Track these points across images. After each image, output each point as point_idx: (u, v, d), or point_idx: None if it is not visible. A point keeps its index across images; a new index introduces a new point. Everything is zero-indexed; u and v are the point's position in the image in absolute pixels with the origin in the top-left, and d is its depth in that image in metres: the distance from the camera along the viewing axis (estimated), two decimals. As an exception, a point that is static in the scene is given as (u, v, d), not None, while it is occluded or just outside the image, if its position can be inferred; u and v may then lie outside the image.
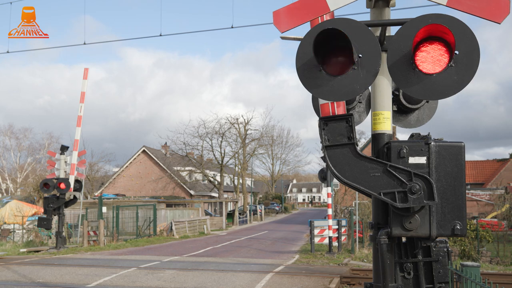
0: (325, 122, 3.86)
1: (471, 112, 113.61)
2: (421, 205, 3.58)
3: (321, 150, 3.92)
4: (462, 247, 16.32)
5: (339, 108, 4.25)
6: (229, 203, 47.10)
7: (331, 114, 4.15)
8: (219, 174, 47.06)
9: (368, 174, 3.71)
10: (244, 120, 45.99)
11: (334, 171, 3.81)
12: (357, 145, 3.82)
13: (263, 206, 53.69)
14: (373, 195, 3.75)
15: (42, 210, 19.47)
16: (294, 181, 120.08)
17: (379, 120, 4.07)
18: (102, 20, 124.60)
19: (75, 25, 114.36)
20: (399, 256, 3.97)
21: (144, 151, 49.58)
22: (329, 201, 18.11)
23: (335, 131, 3.84)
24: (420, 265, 3.96)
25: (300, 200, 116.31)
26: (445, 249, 4.03)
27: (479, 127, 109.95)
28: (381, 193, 3.66)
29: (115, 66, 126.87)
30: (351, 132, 3.81)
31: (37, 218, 21.11)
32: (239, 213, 43.15)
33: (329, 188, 17.58)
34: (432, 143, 3.68)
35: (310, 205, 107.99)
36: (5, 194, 50.32)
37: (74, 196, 19.87)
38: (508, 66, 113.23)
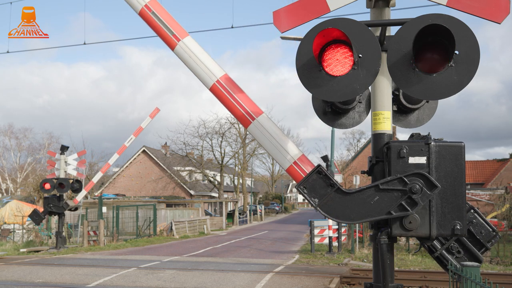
0: (303, 186, 3.90)
1: (472, 112, 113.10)
2: (429, 198, 3.61)
3: (316, 211, 3.94)
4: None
5: (304, 163, 4.27)
6: (229, 203, 47.09)
7: (301, 175, 4.18)
8: (219, 174, 47.05)
9: (369, 203, 3.71)
10: (244, 120, 45.93)
11: (339, 220, 3.82)
12: (342, 186, 3.84)
13: (263, 206, 53.64)
14: (386, 218, 3.75)
15: (42, 210, 19.49)
16: (294, 181, 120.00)
17: (379, 120, 4.07)
18: (100, 17, 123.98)
19: (73, 23, 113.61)
20: (440, 244, 3.97)
21: (144, 151, 49.56)
22: (329, 201, 18.07)
23: (316, 188, 3.86)
24: (462, 238, 3.94)
25: (300, 200, 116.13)
26: (472, 210, 4.02)
27: (480, 127, 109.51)
28: (391, 212, 3.67)
29: (115, 65, 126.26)
30: (329, 179, 3.83)
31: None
32: (239, 213, 43.13)
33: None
34: (432, 143, 3.68)
35: (310, 205, 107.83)
36: (5, 194, 50.34)
37: (76, 208, 20.15)
38: (511, 65, 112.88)
